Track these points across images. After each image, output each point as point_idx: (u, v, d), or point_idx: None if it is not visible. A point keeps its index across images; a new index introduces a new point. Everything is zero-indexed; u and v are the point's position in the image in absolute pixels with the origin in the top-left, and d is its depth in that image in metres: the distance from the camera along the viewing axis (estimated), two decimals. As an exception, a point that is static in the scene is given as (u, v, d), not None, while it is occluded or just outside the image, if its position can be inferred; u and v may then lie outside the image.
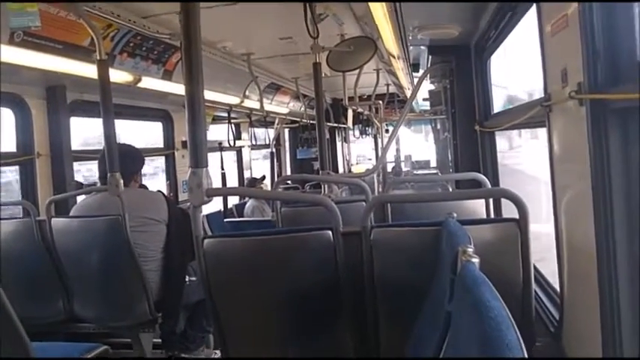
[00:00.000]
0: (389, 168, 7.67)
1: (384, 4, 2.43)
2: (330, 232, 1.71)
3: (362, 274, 1.70)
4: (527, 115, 1.84)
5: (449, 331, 1.10)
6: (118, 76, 3.10)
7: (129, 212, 2.38)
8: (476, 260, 1.03)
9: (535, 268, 2.04)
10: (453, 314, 1.08)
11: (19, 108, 3.18)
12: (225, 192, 4.21)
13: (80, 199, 2.83)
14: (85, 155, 3.59)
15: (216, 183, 5.64)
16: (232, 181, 6.30)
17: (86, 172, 4.46)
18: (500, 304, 0.78)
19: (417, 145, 12.89)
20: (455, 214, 1.60)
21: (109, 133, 2.43)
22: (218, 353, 2.94)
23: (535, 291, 1.80)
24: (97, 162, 2.71)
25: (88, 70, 2.72)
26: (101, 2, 2.53)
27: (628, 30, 1.17)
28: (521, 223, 1.54)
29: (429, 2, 2.67)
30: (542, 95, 1.68)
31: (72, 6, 2.34)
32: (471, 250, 1.07)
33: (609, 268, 1.24)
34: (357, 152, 11.98)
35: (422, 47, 3.97)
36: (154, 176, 5.51)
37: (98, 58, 2.43)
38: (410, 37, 3.39)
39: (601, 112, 1.21)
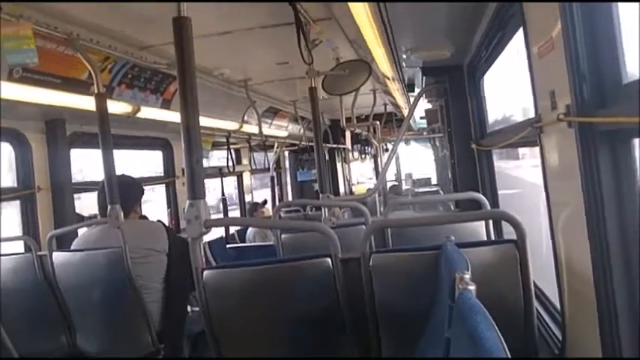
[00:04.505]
0: (390, 187, 7.68)
1: (374, 27, 2.47)
2: (328, 260, 1.71)
3: (363, 299, 1.69)
4: (520, 135, 1.86)
5: (448, 358, 1.10)
6: (117, 107, 3.13)
7: (129, 244, 2.39)
8: (472, 287, 1.03)
9: (537, 286, 2.03)
10: (451, 342, 1.07)
11: (18, 142, 3.20)
12: (223, 223, 4.22)
13: (82, 231, 2.84)
14: (85, 187, 3.61)
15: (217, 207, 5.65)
16: (233, 206, 6.31)
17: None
18: (495, 335, 0.79)
19: (421, 160, 12.82)
20: (453, 238, 1.61)
21: (109, 166, 2.45)
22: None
23: (538, 311, 1.79)
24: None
25: (87, 102, 2.75)
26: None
27: (611, 53, 1.18)
28: (520, 245, 1.55)
29: (420, 25, 2.70)
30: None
31: (70, 41, 2.38)
32: (467, 276, 1.07)
33: (606, 287, 1.24)
34: (359, 172, 11.99)
35: (416, 68, 4.01)
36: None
37: (96, 91, 2.47)
38: (404, 57, 3.43)
39: (589, 134, 1.22)
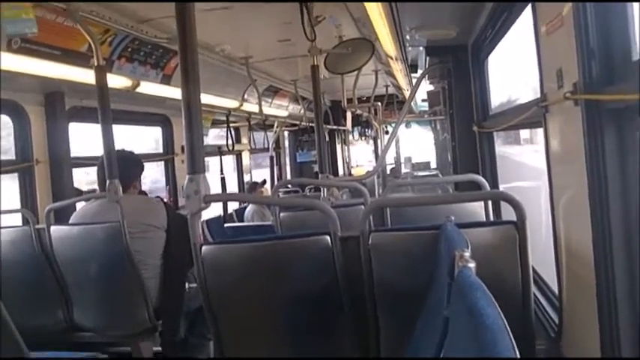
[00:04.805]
0: (389, 170, 7.67)
1: (380, 5, 2.43)
2: (327, 237, 1.70)
3: (361, 278, 1.69)
4: (524, 116, 1.83)
5: (447, 336, 1.09)
6: (116, 81, 3.09)
7: (128, 219, 2.37)
8: (472, 265, 1.02)
9: (534, 270, 2.03)
10: (450, 319, 1.07)
11: (16, 115, 3.16)
12: (222, 198, 4.19)
13: (80, 206, 2.82)
14: (84, 162, 3.59)
15: (216, 188, 5.64)
16: (232, 186, 6.29)
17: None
18: (495, 311, 0.77)
19: (421, 144, 12.75)
20: (453, 218, 1.59)
21: (108, 140, 2.43)
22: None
23: (535, 294, 1.79)
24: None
25: (86, 75, 2.71)
26: (97, 1, 2.51)
27: (622, 29, 1.16)
28: (519, 226, 1.53)
29: (425, 2, 2.66)
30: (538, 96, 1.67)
31: (69, 12, 2.34)
32: (467, 254, 1.06)
33: (607, 271, 1.23)
34: (359, 154, 11.96)
35: (420, 48, 3.96)
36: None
37: (95, 64, 2.44)
38: (408, 38, 3.38)
39: (596, 113, 1.20)
